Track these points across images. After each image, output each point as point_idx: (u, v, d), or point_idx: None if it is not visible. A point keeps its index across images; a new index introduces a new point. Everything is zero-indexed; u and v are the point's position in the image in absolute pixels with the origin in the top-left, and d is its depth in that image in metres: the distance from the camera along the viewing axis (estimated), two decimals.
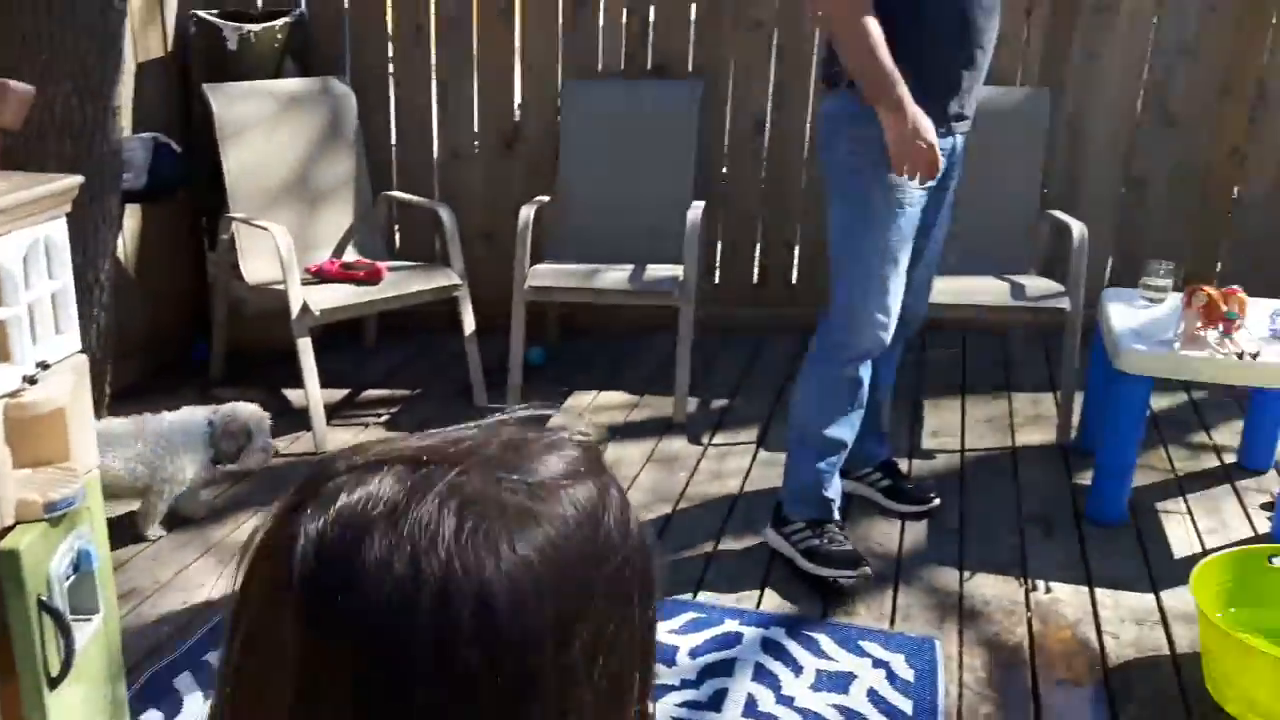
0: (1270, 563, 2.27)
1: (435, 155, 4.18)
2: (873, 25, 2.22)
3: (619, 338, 4.17)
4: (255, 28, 3.68)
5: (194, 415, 2.76)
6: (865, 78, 2.27)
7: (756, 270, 4.26)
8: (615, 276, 3.55)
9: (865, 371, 2.53)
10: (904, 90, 2.23)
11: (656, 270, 3.56)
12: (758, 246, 4.22)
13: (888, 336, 2.50)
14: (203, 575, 2.59)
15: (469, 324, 3.57)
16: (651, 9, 3.97)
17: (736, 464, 3.19)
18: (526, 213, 3.57)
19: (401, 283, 3.51)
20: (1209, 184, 3.97)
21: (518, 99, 4.13)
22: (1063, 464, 3.20)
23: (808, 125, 4.02)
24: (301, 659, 0.51)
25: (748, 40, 3.97)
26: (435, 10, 3.99)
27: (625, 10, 3.96)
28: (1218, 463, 3.20)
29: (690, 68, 4.01)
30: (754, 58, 3.99)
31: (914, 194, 2.41)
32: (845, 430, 2.56)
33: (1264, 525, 2.81)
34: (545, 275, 3.56)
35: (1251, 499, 2.98)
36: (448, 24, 4.00)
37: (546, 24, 3.98)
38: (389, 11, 4.01)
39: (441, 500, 0.51)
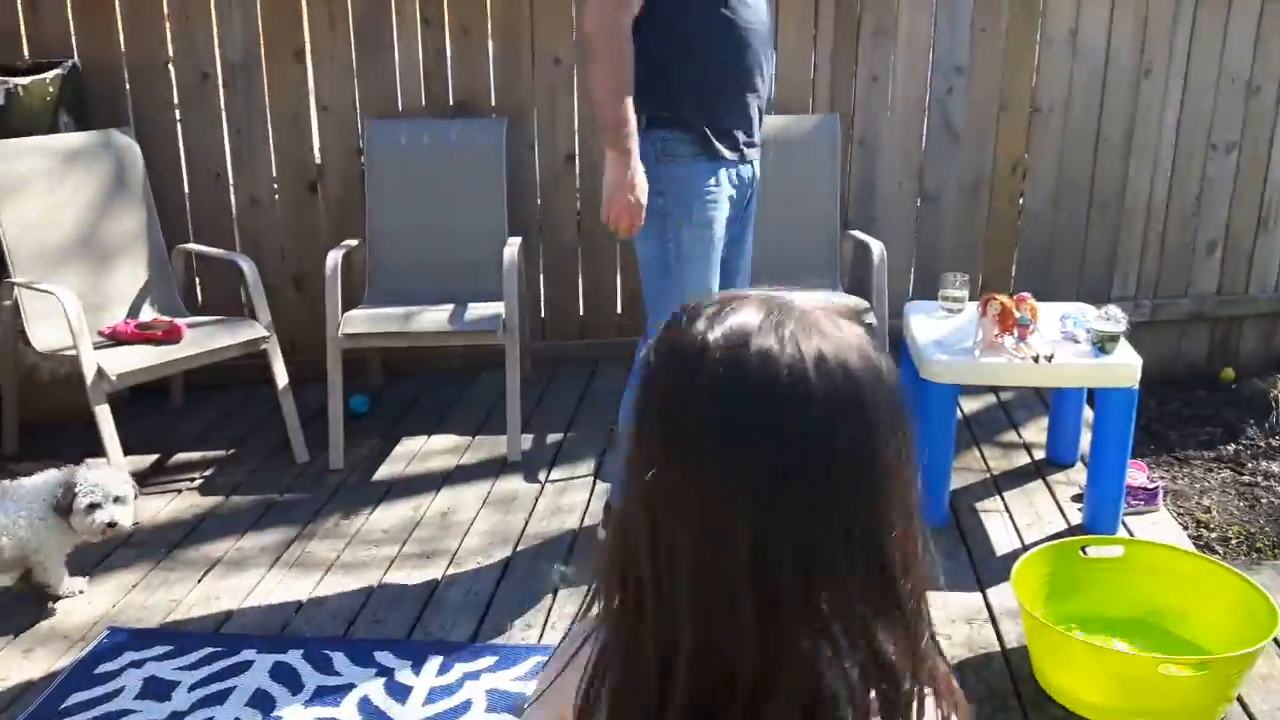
0: (1083, 553, 2.41)
1: (233, 203, 3.99)
2: (625, 69, 2.33)
3: (446, 378, 4.08)
4: (24, 81, 3.44)
5: (45, 480, 2.65)
6: (605, 117, 2.37)
7: (581, 302, 4.25)
8: (434, 318, 3.47)
9: None
10: (634, 143, 2.35)
11: (478, 309, 3.51)
12: (580, 278, 4.22)
13: None
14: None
15: (281, 377, 3.42)
16: (449, 45, 3.92)
17: (575, 498, 3.16)
18: (334, 257, 3.46)
19: (204, 339, 3.33)
20: (996, 196, 4.22)
21: (316, 141, 4.00)
22: None
23: None
24: (717, 428, 0.72)
25: (549, 75, 3.97)
26: (220, 55, 3.81)
27: (421, 47, 3.90)
28: (1029, 459, 3.39)
29: (494, 103, 3.98)
30: (557, 93, 4.00)
31: (719, 229, 2.50)
32: None
33: (1076, 516, 2.99)
34: (360, 321, 3.44)
35: (1062, 492, 3.16)
36: (234, 69, 3.83)
37: (340, 63, 3.87)
38: (170, 59, 3.81)
39: (794, 318, 0.74)
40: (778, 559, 0.71)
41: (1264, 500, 3.68)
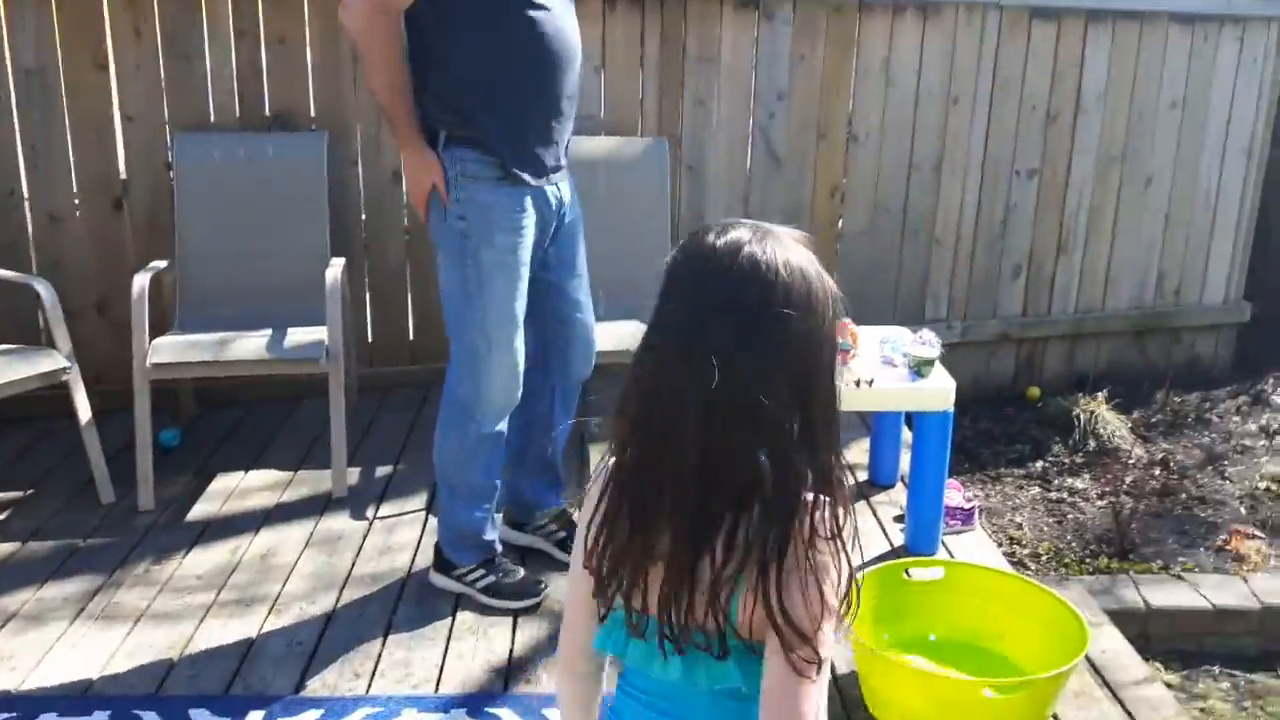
0: (907, 576, 2.50)
1: (29, 221, 3.70)
2: (395, 65, 2.31)
3: (265, 407, 3.90)
4: None
5: None
6: (389, 114, 2.44)
7: (411, 324, 4.14)
8: (251, 345, 3.30)
9: (502, 424, 2.58)
10: (410, 130, 2.37)
11: (299, 334, 3.36)
12: (410, 299, 4.11)
13: (517, 391, 2.55)
14: None
15: (84, 411, 3.19)
16: (264, 55, 3.75)
17: (406, 536, 3.06)
18: (141, 281, 3.25)
19: None
20: (816, 220, 4.35)
21: (122, 155, 3.75)
22: None
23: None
24: (710, 296, 1.09)
25: None
26: (11, 61, 3.53)
27: (235, 57, 3.71)
28: (852, 480, 3.47)
29: (314, 116, 3.83)
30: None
31: (524, 254, 2.46)
32: (493, 475, 2.65)
33: (899, 537, 3.09)
34: (169, 349, 3.24)
35: (885, 513, 3.26)
36: (28, 75, 3.56)
37: (146, 72, 3.65)
38: None
39: (772, 236, 1.10)
40: (732, 392, 1.06)
41: (1070, 516, 3.92)
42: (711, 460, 1.07)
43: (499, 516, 2.80)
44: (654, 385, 1.10)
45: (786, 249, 1.10)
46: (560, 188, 2.55)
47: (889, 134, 4.36)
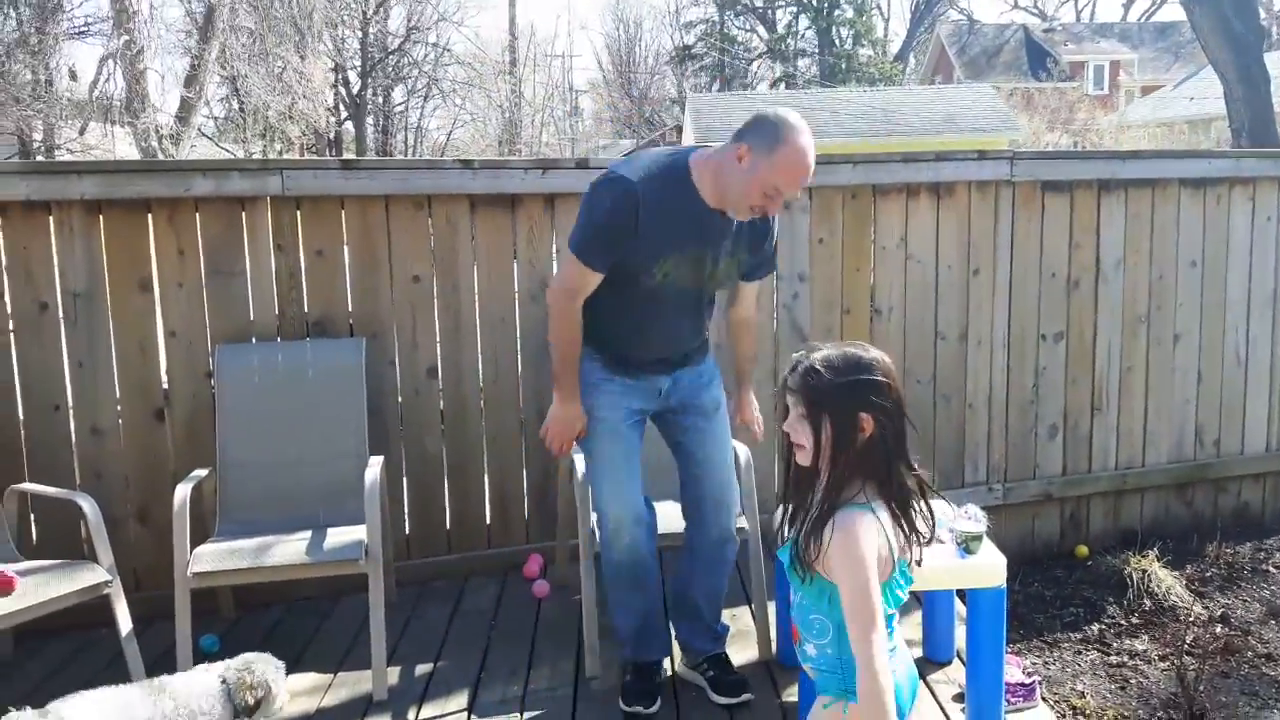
0: None
1: (73, 433, 3.78)
2: (567, 335, 2.94)
3: (303, 607, 3.87)
4: None
5: (203, 676, 2.77)
6: (553, 361, 3.00)
7: (449, 514, 4.15)
8: (291, 549, 3.30)
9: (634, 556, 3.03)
10: (571, 385, 2.98)
11: (338, 535, 3.37)
12: (446, 491, 4.13)
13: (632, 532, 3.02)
14: None
15: (125, 623, 3.18)
16: (303, 266, 3.90)
17: None
18: (183, 491, 3.28)
19: (38, 589, 3.07)
20: None
21: (164, 366, 3.86)
22: (769, 681, 3.26)
23: (479, 364, 4.06)
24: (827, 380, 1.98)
25: (408, 292, 3.98)
26: (60, 285, 3.69)
27: (274, 271, 3.86)
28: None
29: (351, 322, 3.95)
30: (418, 309, 4.01)
31: (614, 423, 3.02)
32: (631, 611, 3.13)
33: (959, 718, 2.97)
34: (210, 558, 3.24)
35: (943, 692, 3.15)
36: (75, 298, 3.70)
37: (189, 289, 3.79)
38: (5, 290, 3.65)
39: (840, 347, 2.01)
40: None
41: (1132, 681, 3.76)
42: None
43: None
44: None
45: (858, 349, 2.00)
46: (674, 379, 3.08)
47: (912, 306, 4.43)
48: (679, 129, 33.02)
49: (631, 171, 2.78)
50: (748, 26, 42.62)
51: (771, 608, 3.44)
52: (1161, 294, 4.76)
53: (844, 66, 38.86)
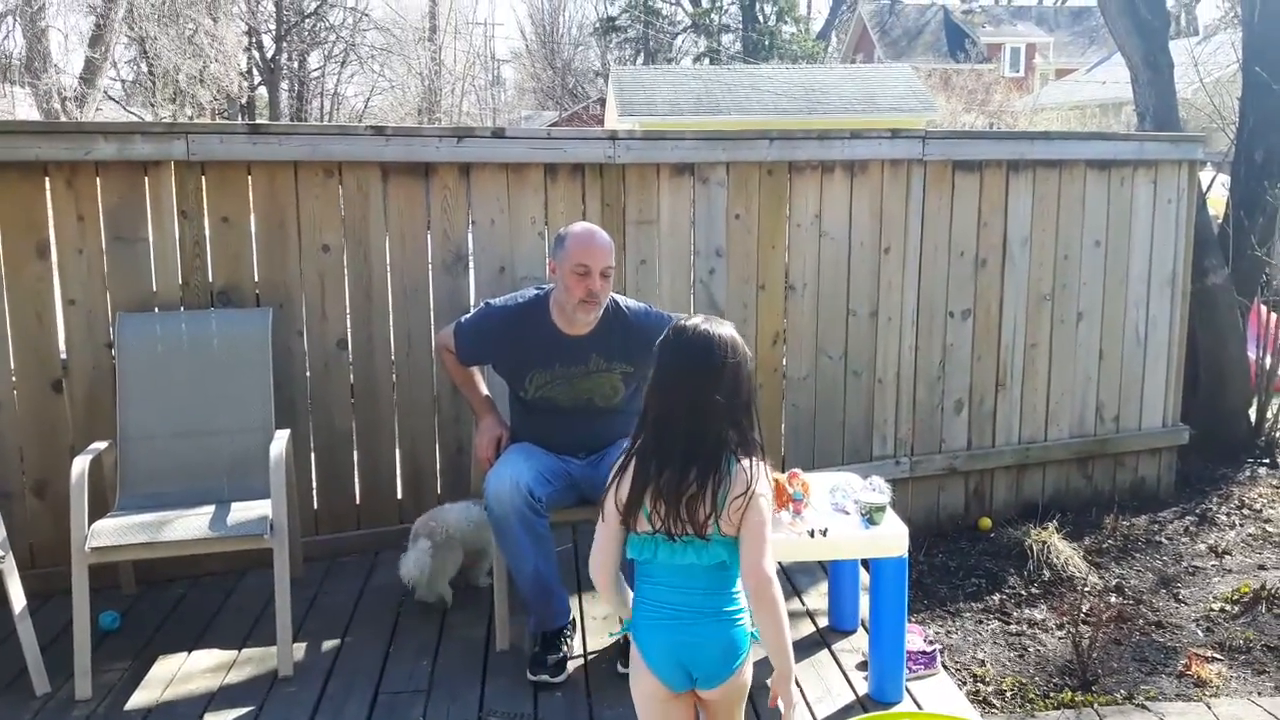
0: None
1: None
2: (456, 374, 3.52)
3: (207, 583, 3.80)
4: None
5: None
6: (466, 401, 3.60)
7: (359, 489, 4.10)
8: (194, 524, 3.23)
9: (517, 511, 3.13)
10: (478, 404, 3.50)
11: (243, 510, 3.30)
12: (356, 466, 4.07)
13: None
14: None
15: (18, 600, 3.08)
16: (208, 233, 3.79)
17: (354, 715, 2.95)
18: (81, 463, 3.18)
19: None
20: (760, 367, 4.42)
21: (62, 335, 3.73)
22: None
23: (391, 336, 4.01)
24: (684, 358, 2.10)
25: (317, 262, 3.91)
26: None
27: (179, 238, 3.75)
28: (813, 628, 3.45)
29: (258, 291, 3.86)
30: (327, 279, 3.93)
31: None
32: (524, 575, 3.21)
33: (862, 685, 3.04)
34: (109, 533, 3.15)
35: (848, 660, 3.22)
36: None
37: (89, 256, 3.66)
38: None
39: (715, 321, 2.14)
40: (702, 403, 2.04)
41: (1031, 649, 3.89)
42: (694, 434, 2.06)
43: None
44: (661, 398, 2.10)
45: (723, 327, 2.12)
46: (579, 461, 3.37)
47: (825, 283, 4.48)
48: (601, 102, 32.86)
49: (500, 303, 3.41)
50: (673, 0, 42.50)
51: None
52: (1066, 273, 4.90)
53: (767, 43, 39.00)
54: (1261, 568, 4.59)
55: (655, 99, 26.42)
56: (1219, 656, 3.81)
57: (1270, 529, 4.98)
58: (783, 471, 3.01)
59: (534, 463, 3.21)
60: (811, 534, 2.86)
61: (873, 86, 26.49)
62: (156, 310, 3.75)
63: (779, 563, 3.94)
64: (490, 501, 3.11)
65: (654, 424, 2.08)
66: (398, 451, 4.12)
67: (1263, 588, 4.27)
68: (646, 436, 2.08)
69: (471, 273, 4.10)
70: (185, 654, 3.32)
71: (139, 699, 3.06)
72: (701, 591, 2.08)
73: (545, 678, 3.08)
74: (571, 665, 3.18)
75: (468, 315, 3.47)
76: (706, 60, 40.09)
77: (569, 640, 3.23)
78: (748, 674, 2.15)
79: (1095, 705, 3.46)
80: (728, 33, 41.92)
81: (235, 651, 3.33)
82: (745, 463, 2.06)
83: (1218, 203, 6.82)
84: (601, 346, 3.27)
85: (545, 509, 3.12)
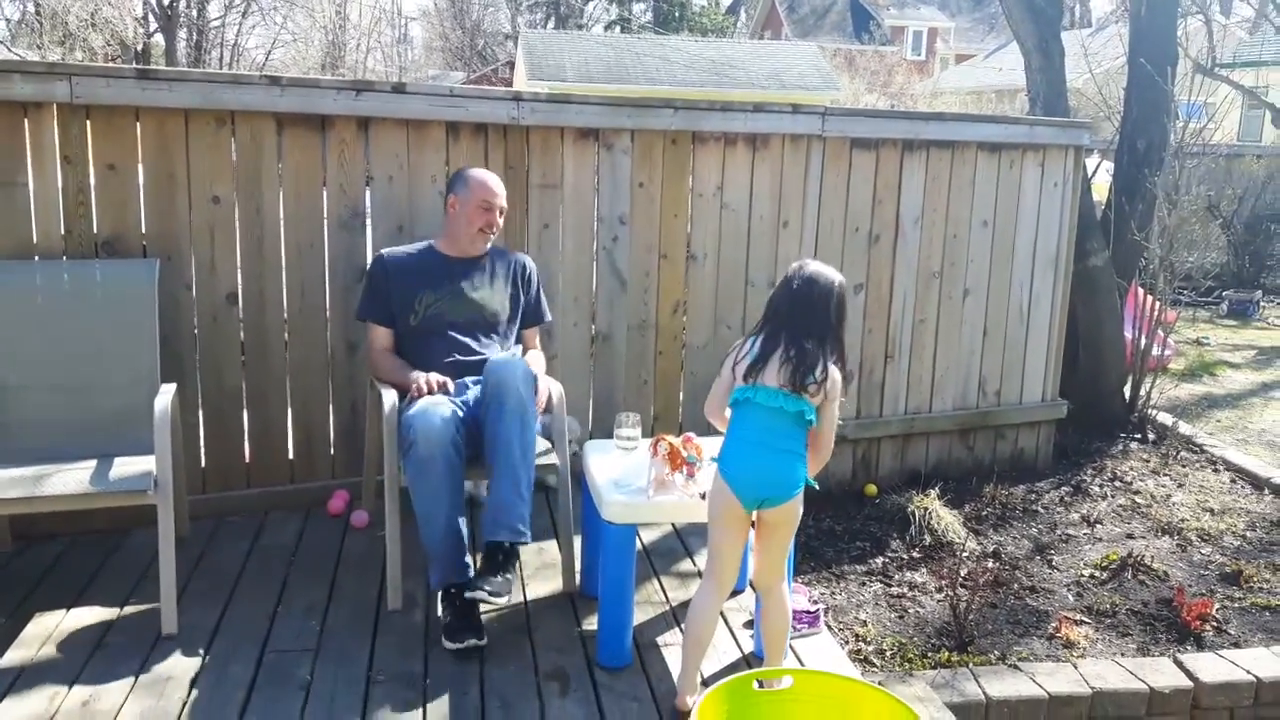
0: (757, 686, 2.52)
1: None
2: (384, 370, 3.56)
3: (88, 540, 3.70)
4: None
5: None
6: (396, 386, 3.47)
7: (248, 447, 4.02)
8: (73, 479, 3.13)
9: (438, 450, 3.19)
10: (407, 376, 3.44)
11: (125, 465, 3.22)
12: (246, 424, 4.00)
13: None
14: None
15: None
16: (92, 181, 3.66)
17: (240, 673, 2.91)
18: None
19: None
20: (661, 334, 4.46)
21: None
22: (571, 612, 3.33)
23: (284, 292, 3.93)
24: (794, 289, 2.83)
25: (207, 214, 3.80)
26: None
27: (61, 184, 3.61)
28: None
29: (145, 242, 3.74)
30: (217, 231, 3.83)
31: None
32: (434, 522, 3.25)
33: (749, 644, 3.12)
34: None
35: (735, 619, 3.30)
36: None
37: None
38: None
39: (817, 263, 2.89)
40: (821, 311, 2.78)
41: (911, 611, 4.04)
42: (811, 330, 2.75)
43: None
44: (792, 302, 2.78)
45: (827, 268, 2.83)
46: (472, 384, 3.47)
47: (725, 253, 4.54)
48: (511, 65, 32.44)
49: (390, 249, 3.71)
50: None
51: (578, 541, 3.51)
52: (955, 251, 5.05)
53: (678, 15, 38.98)
54: (1130, 536, 4.83)
55: (565, 64, 26.22)
56: (1087, 620, 4.01)
57: (1139, 500, 5.25)
58: (678, 436, 3.06)
59: (455, 408, 3.23)
60: (703, 496, 2.92)
61: (780, 63, 26.72)
62: (37, 259, 3.61)
63: (673, 524, 4.01)
64: (417, 437, 3.09)
65: (786, 316, 2.75)
66: (289, 410, 4.06)
67: (1130, 555, 4.50)
68: (775, 324, 2.76)
69: (369, 230, 4.04)
70: (64, 611, 3.24)
71: (12, 657, 2.97)
72: (780, 434, 2.70)
73: (473, 641, 3.04)
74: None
75: (362, 289, 3.75)
76: (617, 29, 39.89)
77: (486, 589, 3.04)
78: (800, 505, 2.78)
79: (970, 665, 3.61)
80: (639, 2, 41.76)
81: (117, 610, 3.25)
82: (834, 368, 2.76)
83: (1101, 188, 7.10)
84: (489, 266, 3.70)
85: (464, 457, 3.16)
